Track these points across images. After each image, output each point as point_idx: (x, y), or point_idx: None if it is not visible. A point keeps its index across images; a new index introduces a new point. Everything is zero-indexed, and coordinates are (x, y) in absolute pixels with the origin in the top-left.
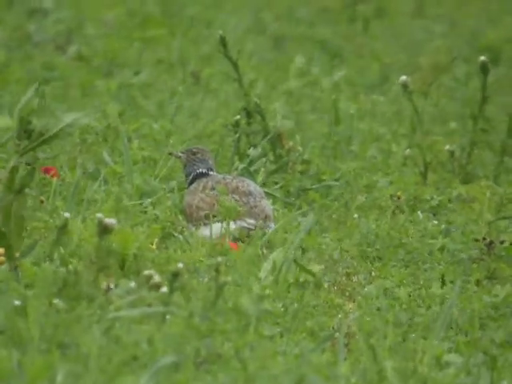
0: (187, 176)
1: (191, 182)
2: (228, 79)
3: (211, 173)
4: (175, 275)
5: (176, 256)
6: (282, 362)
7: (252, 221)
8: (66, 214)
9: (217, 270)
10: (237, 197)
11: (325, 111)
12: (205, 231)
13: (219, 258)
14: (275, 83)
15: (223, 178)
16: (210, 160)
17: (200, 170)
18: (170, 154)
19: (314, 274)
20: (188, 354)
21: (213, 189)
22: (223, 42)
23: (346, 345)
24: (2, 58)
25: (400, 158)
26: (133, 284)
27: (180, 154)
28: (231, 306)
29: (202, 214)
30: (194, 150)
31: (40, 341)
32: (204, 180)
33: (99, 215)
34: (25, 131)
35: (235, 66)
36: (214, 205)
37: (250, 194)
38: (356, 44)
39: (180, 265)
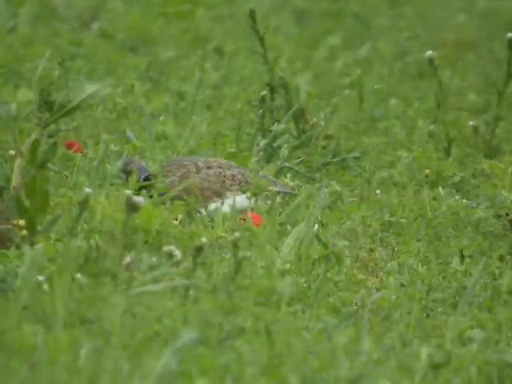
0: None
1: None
2: (253, 55)
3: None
4: (199, 250)
5: (199, 232)
6: (306, 338)
7: (275, 188)
8: (87, 190)
9: (235, 246)
10: (240, 170)
11: (350, 87)
12: (222, 207)
13: (237, 233)
14: (300, 59)
15: (202, 158)
16: (142, 163)
17: (142, 176)
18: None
19: (333, 250)
20: (211, 330)
21: (209, 167)
22: (252, 15)
23: (369, 320)
24: (27, 34)
25: (424, 134)
26: (155, 259)
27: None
28: (252, 282)
29: (209, 193)
30: (126, 163)
31: (64, 316)
32: (183, 164)
33: (127, 192)
34: (46, 103)
35: (261, 40)
36: (223, 181)
37: (234, 166)
38: (380, 20)
39: (203, 239)
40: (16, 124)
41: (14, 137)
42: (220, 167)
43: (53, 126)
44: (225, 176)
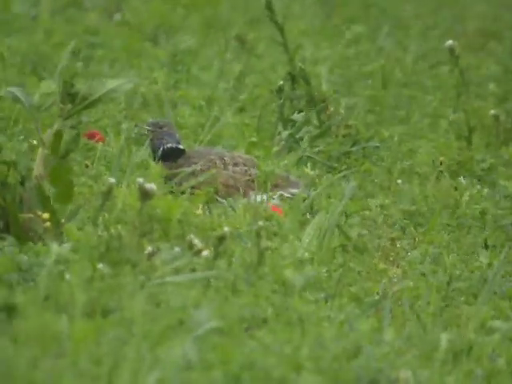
0: (156, 148)
1: (163, 157)
2: (274, 44)
3: (180, 146)
4: (220, 239)
5: (220, 221)
6: (328, 328)
7: (294, 190)
8: (111, 180)
9: (258, 235)
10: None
11: (371, 76)
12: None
13: (260, 223)
14: (321, 47)
15: (227, 152)
16: (176, 133)
17: (170, 144)
18: (136, 125)
19: (354, 240)
20: (233, 319)
21: (235, 164)
22: (269, 5)
23: (391, 310)
24: (48, 23)
25: (445, 123)
26: (176, 249)
27: (147, 128)
28: (274, 271)
29: (233, 190)
30: (161, 124)
31: (84, 306)
32: (209, 157)
33: (140, 180)
34: (68, 95)
35: (281, 30)
36: (247, 180)
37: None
38: (402, 8)
39: (226, 229)
40: (39, 114)
41: (36, 127)
42: (245, 165)
43: (75, 118)
44: (250, 175)
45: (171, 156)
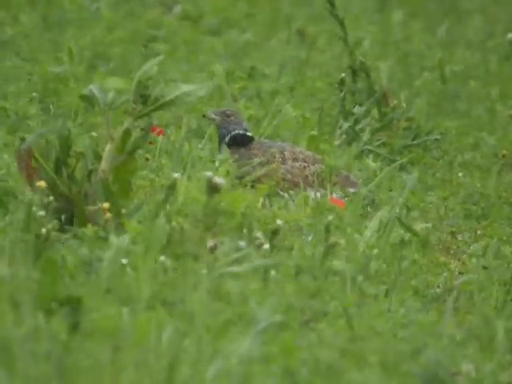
0: (223, 137)
1: (230, 143)
2: (334, 38)
3: (248, 133)
4: (274, 232)
5: (281, 214)
6: (388, 320)
7: (352, 190)
8: (176, 174)
9: (327, 230)
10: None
11: (431, 69)
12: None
13: (330, 217)
14: (381, 41)
15: (289, 146)
16: (243, 122)
17: (237, 131)
18: (204, 116)
19: (416, 233)
20: (294, 313)
21: (295, 159)
22: (331, 1)
23: (452, 303)
24: (108, 17)
25: (505, 117)
26: (241, 243)
27: (214, 117)
28: (336, 265)
29: (290, 185)
30: (228, 112)
31: (147, 298)
32: (269, 150)
33: (208, 174)
34: (141, 96)
35: (341, 24)
36: (306, 176)
37: (319, 161)
38: (463, 2)
39: (279, 222)
40: (110, 111)
41: (106, 123)
42: (305, 161)
43: (145, 119)
44: (309, 171)
45: (239, 142)
